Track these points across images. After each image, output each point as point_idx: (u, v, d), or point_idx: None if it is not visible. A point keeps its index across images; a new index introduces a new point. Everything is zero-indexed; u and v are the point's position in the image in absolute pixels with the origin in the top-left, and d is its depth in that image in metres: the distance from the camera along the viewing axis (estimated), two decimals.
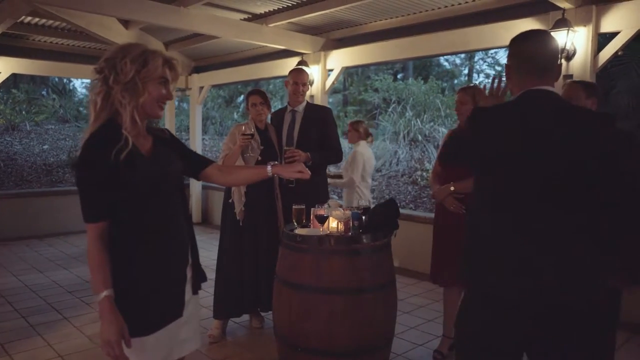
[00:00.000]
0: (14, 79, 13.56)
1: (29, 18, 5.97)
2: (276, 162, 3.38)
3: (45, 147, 10.23)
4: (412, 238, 5.15)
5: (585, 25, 3.97)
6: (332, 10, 5.10)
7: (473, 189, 1.77)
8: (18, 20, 5.89)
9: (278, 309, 2.90)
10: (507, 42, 4.33)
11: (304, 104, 3.86)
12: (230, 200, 3.66)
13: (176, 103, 11.85)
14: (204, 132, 11.68)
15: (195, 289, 1.85)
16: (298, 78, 3.80)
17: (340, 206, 3.02)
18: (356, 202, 4.12)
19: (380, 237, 2.81)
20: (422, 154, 8.87)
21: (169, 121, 8.26)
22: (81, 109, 13.29)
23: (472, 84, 3.34)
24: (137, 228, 1.61)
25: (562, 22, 3.96)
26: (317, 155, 3.66)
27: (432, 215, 5.95)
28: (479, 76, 20.93)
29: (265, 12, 5.62)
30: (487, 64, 20.19)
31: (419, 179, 8.17)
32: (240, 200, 3.62)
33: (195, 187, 8.37)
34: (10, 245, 6.64)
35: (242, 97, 14.98)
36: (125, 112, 1.57)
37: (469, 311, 1.72)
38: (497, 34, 4.52)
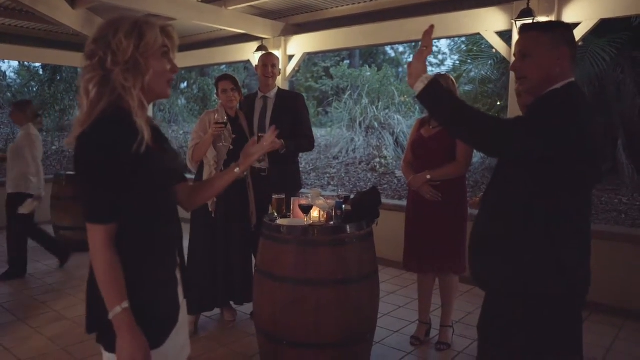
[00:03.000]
0: None
1: None
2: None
3: None
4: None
5: (548, 16, 4.08)
6: None
7: (547, 188, 1.59)
8: None
9: (260, 303, 2.82)
10: (472, 30, 4.36)
11: (275, 90, 3.76)
12: None
13: None
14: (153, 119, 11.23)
15: (186, 292, 1.66)
16: (267, 59, 3.69)
17: (322, 195, 2.96)
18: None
19: (364, 226, 2.78)
20: (379, 141, 8.94)
21: None
22: (13, 93, 12.39)
23: (442, 73, 3.35)
24: (143, 229, 1.43)
25: (527, 12, 4.05)
26: (290, 143, 3.58)
27: (394, 202, 6.11)
28: None
29: None
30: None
31: (378, 166, 8.24)
32: None
33: None
34: None
35: (185, 83, 14.50)
36: (132, 96, 1.37)
37: (535, 320, 1.62)
38: (462, 23, 4.58)
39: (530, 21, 4.00)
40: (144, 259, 1.42)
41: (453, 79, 3.28)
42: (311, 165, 8.98)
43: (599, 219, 6.28)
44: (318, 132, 11.47)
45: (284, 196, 2.94)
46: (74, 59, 7.26)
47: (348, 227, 2.71)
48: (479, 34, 4.52)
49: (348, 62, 16.59)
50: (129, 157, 1.33)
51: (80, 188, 1.37)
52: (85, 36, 6.28)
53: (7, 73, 14.81)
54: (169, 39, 1.48)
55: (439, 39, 5.81)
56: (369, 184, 7.81)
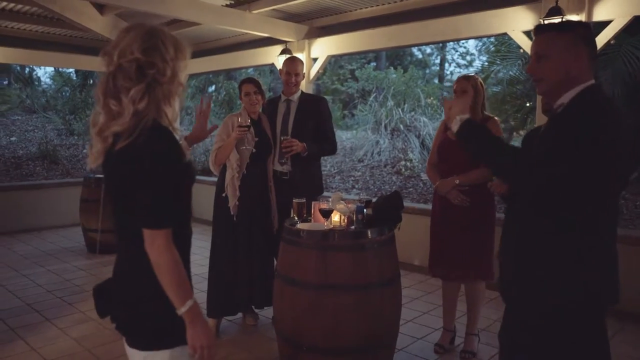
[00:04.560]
0: None
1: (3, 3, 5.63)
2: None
3: (13, 139, 9.78)
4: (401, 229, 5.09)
5: (578, 14, 3.95)
6: None
7: (590, 200, 1.52)
8: None
9: (281, 308, 2.80)
10: (499, 30, 4.24)
11: (299, 93, 3.74)
12: (223, 195, 3.52)
13: None
14: (179, 122, 11.39)
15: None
16: (291, 67, 3.67)
17: (343, 199, 2.92)
18: None
19: (385, 230, 2.73)
20: (405, 143, 8.84)
21: None
22: (47, 98, 12.76)
23: (471, 74, 3.28)
24: (180, 229, 1.52)
25: (555, 11, 3.93)
26: (313, 146, 3.55)
27: (420, 205, 6.01)
28: (450, 66, 21.07)
29: None
30: (458, 53, 20.36)
31: (403, 169, 8.14)
32: (234, 194, 3.48)
33: None
34: None
35: (213, 87, 14.67)
36: (173, 108, 1.49)
37: (559, 333, 1.56)
38: (488, 22, 4.48)
39: (560, 20, 3.88)
40: (180, 253, 1.48)
41: (481, 81, 3.21)
42: (336, 168, 8.94)
43: (633, 224, 6.05)
44: (343, 135, 11.44)
45: (304, 200, 2.92)
46: (100, 64, 7.39)
47: (369, 232, 2.67)
48: (506, 33, 4.41)
49: (374, 64, 16.51)
50: (182, 166, 1.45)
51: (139, 196, 1.42)
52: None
53: (43, 78, 15.29)
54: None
55: (465, 39, 5.72)
56: (394, 187, 7.72)
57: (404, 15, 5.23)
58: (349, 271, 2.58)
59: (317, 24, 6.05)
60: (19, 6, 5.81)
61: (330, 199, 2.77)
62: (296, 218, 2.90)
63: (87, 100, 10.90)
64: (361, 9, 5.55)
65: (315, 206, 2.87)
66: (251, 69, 12.45)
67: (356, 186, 7.98)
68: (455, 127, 1.67)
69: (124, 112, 1.44)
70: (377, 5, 5.39)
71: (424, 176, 7.66)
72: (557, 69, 1.57)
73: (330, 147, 3.75)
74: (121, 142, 1.42)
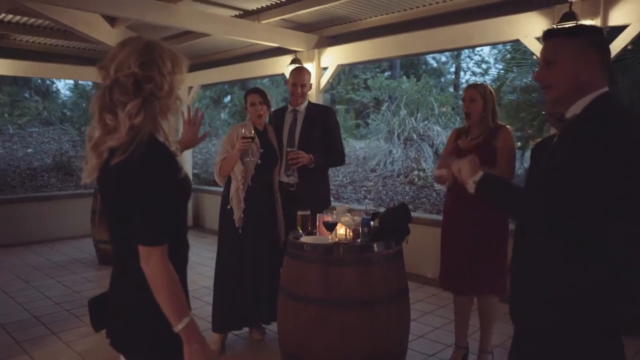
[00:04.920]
0: (4, 81, 13.20)
1: (10, 16, 5.70)
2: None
3: (29, 150, 9.89)
4: (413, 240, 4.97)
5: (592, 19, 3.84)
6: (326, 5, 4.92)
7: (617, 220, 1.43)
8: None
9: (284, 323, 2.72)
10: (511, 37, 4.13)
11: (306, 103, 3.69)
12: (228, 207, 3.46)
13: None
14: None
15: None
16: (297, 78, 3.61)
17: (349, 211, 2.84)
18: None
19: (392, 244, 2.64)
20: (418, 153, 8.73)
21: None
22: (65, 110, 12.94)
23: (479, 82, 3.19)
24: (176, 243, 1.50)
25: (569, 16, 3.82)
26: (320, 157, 3.49)
27: (432, 216, 5.89)
28: (465, 74, 20.91)
29: (257, 8, 5.42)
30: (473, 61, 20.18)
31: (416, 179, 8.02)
32: (239, 206, 3.42)
33: None
34: None
35: (229, 97, 14.71)
36: (169, 123, 1.49)
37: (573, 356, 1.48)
38: (500, 29, 4.38)
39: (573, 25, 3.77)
40: (176, 268, 1.46)
41: (491, 89, 3.12)
42: (348, 178, 8.85)
43: None
44: (357, 145, 11.37)
45: (309, 212, 2.84)
46: None
47: (375, 246, 2.58)
48: (518, 40, 4.31)
49: (389, 73, 16.43)
50: (177, 181, 1.44)
51: (134, 212, 1.40)
52: None
53: (62, 91, 15.49)
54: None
55: (476, 46, 5.62)
56: (407, 197, 7.60)
57: (414, 23, 5.15)
58: (354, 286, 2.50)
59: (326, 34, 6.01)
60: (32, 20, 5.90)
61: (335, 212, 2.69)
62: (301, 231, 2.83)
63: None
64: (371, 17, 5.49)
65: (320, 219, 2.79)
66: (266, 80, 12.47)
67: (368, 196, 7.88)
68: (471, 190, 1.63)
69: (119, 126, 1.42)
70: (387, 14, 5.32)
71: (437, 186, 7.53)
72: (566, 76, 1.51)
73: (338, 157, 3.68)
74: (117, 157, 1.41)
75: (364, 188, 8.22)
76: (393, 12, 5.27)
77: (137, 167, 1.39)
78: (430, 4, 4.92)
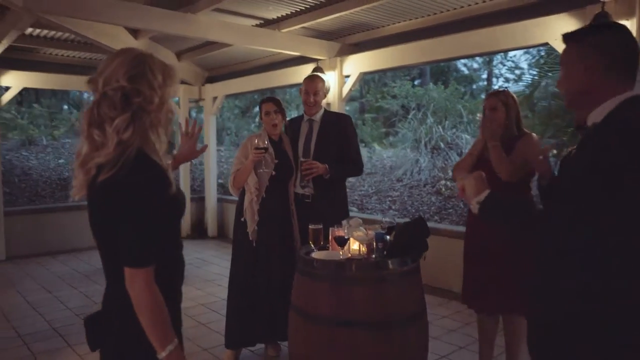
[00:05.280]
0: (36, 94, 13.66)
1: (37, 30, 5.82)
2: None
3: (61, 161, 10.11)
4: (438, 253, 4.77)
5: (628, 19, 3.60)
6: (347, 12, 4.82)
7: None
8: (25, 33, 5.76)
9: (294, 342, 2.59)
10: (540, 40, 3.90)
11: (322, 112, 3.57)
12: (242, 219, 3.37)
13: (193, 114, 11.71)
14: (220, 143, 11.49)
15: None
16: (309, 86, 3.50)
17: (367, 223, 2.70)
18: None
19: (408, 261, 2.48)
20: (445, 162, 8.48)
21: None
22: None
23: (501, 89, 3.01)
24: (167, 260, 1.46)
25: (602, 17, 3.59)
26: (336, 167, 3.36)
27: (459, 228, 5.64)
28: (498, 80, 20.47)
29: (277, 17, 5.37)
30: (506, 67, 19.71)
31: (443, 189, 7.78)
32: (252, 218, 3.33)
33: (211, 199, 8.14)
34: (21, 263, 6.47)
35: (258, 107, 14.77)
36: (160, 137, 1.43)
37: None
38: (529, 32, 4.17)
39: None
40: (167, 288, 1.41)
41: (514, 96, 2.93)
42: (374, 187, 8.67)
43: None
44: (384, 153, 11.19)
45: (321, 226, 2.71)
46: None
47: (390, 263, 2.43)
48: (547, 43, 4.09)
49: (419, 81, 16.20)
50: (167, 199, 1.37)
51: (120, 232, 1.34)
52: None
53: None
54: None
55: (503, 51, 5.37)
56: (433, 208, 7.37)
57: (439, 29, 4.99)
58: (366, 306, 2.35)
59: (349, 41, 5.90)
60: (59, 33, 6.00)
61: (347, 225, 2.56)
62: (312, 246, 2.70)
63: None
64: (394, 24, 5.36)
65: (333, 233, 2.66)
66: (294, 89, 12.46)
67: (393, 207, 7.68)
68: (475, 210, 1.54)
69: (107, 142, 1.37)
70: (410, 20, 5.18)
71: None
72: (571, 81, 1.47)
73: (355, 167, 3.55)
74: (103, 174, 1.35)
75: (389, 198, 8.03)
76: (417, 18, 5.12)
77: (123, 184, 1.33)
78: (455, 9, 4.75)
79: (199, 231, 8.12)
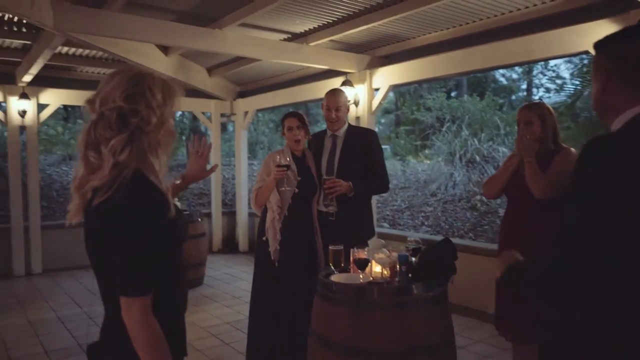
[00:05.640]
0: (80, 111, 14.15)
1: (71, 49, 5.96)
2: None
3: None
4: (473, 272, 4.55)
5: None
6: (375, 24, 4.70)
7: None
8: (61, 52, 5.91)
9: None
10: (579, 49, 3.66)
11: (345, 127, 3.45)
12: (264, 238, 3.27)
13: (231, 128, 11.80)
14: (253, 157, 11.53)
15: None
16: (330, 102, 3.38)
17: (385, 246, 2.55)
18: None
19: (434, 285, 2.31)
20: (481, 176, 8.19)
21: (214, 148, 8.09)
22: None
23: (537, 100, 2.82)
24: (167, 287, 1.38)
25: None
26: (360, 185, 3.22)
27: (495, 246, 5.32)
28: (538, 91, 19.90)
29: (305, 30, 5.30)
30: (547, 77, 19.12)
31: (479, 204, 7.48)
32: (275, 237, 3.22)
33: (242, 214, 8.11)
34: (56, 276, 6.59)
35: None
36: (160, 159, 1.37)
37: None
38: (566, 40, 3.95)
39: None
40: (167, 319, 1.35)
41: (550, 108, 2.75)
42: (407, 202, 8.45)
43: None
44: (419, 167, 10.95)
45: (341, 247, 2.58)
46: None
47: (414, 287, 2.27)
48: (587, 52, 3.85)
49: (455, 92, 15.90)
50: (165, 224, 1.31)
51: (115, 259, 1.29)
52: (179, 81, 6.56)
53: None
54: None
55: (539, 61, 5.12)
56: (467, 224, 7.09)
57: (470, 39, 4.81)
58: (388, 335, 2.20)
59: (378, 53, 5.78)
60: (92, 52, 6.13)
61: (368, 247, 2.42)
62: (333, 267, 2.57)
63: None
64: (424, 35, 5.21)
65: (354, 255, 2.52)
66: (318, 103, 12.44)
67: (426, 223, 7.43)
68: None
69: (103, 164, 1.31)
70: (441, 30, 5.02)
71: (502, 212, 6.98)
72: (594, 94, 1.37)
73: (379, 184, 3.40)
74: (98, 198, 1.30)
75: (422, 214, 7.79)
76: (447, 29, 4.96)
77: (118, 208, 1.27)
78: (488, 17, 4.56)
79: (230, 246, 8.09)
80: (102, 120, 1.33)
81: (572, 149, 2.71)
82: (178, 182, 1.85)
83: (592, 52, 3.78)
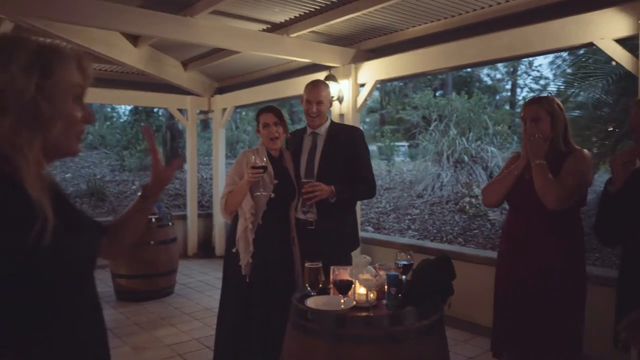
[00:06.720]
0: None
1: None
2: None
3: (68, 175, 9.83)
4: (463, 281, 4.19)
5: None
6: (360, 13, 4.33)
7: None
8: None
9: None
10: (582, 40, 3.31)
11: (328, 124, 3.08)
12: (233, 250, 2.88)
13: (212, 125, 11.36)
14: (233, 155, 11.11)
15: None
16: (310, 95, 3.01)
17: (371, 263, 2.19)
18: None
19: (429, 312, 1.95)
20: (470, 177, 7.88)
21: (190, 147, 7.66)
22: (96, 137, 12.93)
23: (545, 94, 2.49)
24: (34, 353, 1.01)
25: None
26: (344, 189, 2.85)
27: (486, 252, 4.97)
28: (522, 91, 19.86)
29: (285, 20, 4.92)
30: (531, 77, 19.08)
31: (467, 207, 7.16)
32: (247, 249, 2.83)
33: (219, 216, 7.68)
34: None
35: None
36: (25, 158, 0.99)
37: None
38: (569, 31, 3.62)
39: None
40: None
41: (559, 102, 2.41)
42: (392, 204, 8.10)
43: None
44: (404, 167, 10.66)
45: (320, 264, 2.20)
46: (141, 99, 7.22)
47: (405, 316, 1.90)
48: (591, 43, 3.53)
49: (441, 92, 15.70)
50: (29, 248, 0.93)
51: None
52: (151, 74, 6.12)
53: (124, 116, 15.67)
54: (85, 75, 1.11)
55: (539, 54, 4.74)
56: (456, 228, 6.76)
57: (464, 31, 4.46)
58: None
59: (364, 47, 5.42)
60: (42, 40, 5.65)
61: (351, 265, 2.05)
62: (309, 289, 2.19)
63: (137, 135, 10.94)
64: (413, 27, 4.85)
65: (334, 274, 2.15)
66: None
67: (412, 227, 7.09)
68: None
69: None
70: (432, 22, 4.67)
71: (492, 215, 6.66)
72: None
73: (366, 188, 3.02)
74: None
75: (409, 216, 7.44)
76: (439, 20, 4.61)
77: None
78: (483, 7, 4.22)
79: (206, 250, 7.67)
80: None
81: (585, 151, 2.38)
82: (139, 193, 1.46)
83: (597, 43, 3.45)
